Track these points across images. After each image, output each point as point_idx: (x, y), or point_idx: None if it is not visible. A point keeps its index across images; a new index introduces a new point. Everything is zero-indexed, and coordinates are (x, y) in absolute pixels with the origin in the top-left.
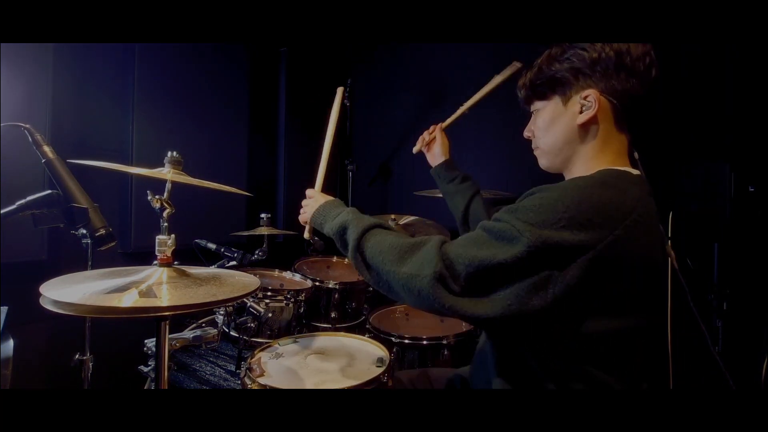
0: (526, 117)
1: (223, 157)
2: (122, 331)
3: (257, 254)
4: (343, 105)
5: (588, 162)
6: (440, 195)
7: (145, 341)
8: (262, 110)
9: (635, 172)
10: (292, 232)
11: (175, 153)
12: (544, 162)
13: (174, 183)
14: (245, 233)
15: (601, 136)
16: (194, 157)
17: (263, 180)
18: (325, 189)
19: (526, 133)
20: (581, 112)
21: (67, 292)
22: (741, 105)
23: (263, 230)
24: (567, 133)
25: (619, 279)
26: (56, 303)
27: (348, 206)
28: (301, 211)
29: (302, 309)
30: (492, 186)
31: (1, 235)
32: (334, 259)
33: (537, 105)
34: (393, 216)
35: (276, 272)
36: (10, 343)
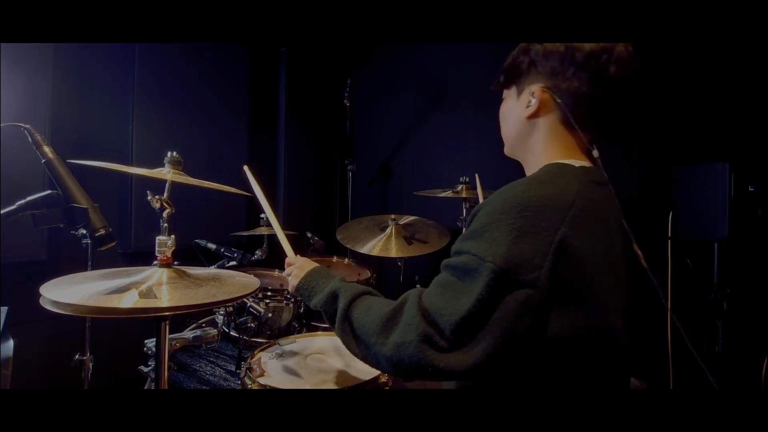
0: None
1: (223, 157)
2: (122, 331)
3: (257, 254)
4: (342, 104)
5: (537, 156)
6: (440, 195)
7: (145, 341)
8: (262, 110)
9: (578, 163)
10: (292, 232)
11: (175, 153)
12: (505, 149)
13: (174, 183)
14: (245, 233)
15: (547, 132)
16: (194, 157)
17: (263, 180)
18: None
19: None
20: (527, 107)
21: (67, 292)
22: (741, 105)
23: (263, 230)
24: (517, 125)
25: (576, 274)
26: (56, 303)
27: (348, 210)
28: (288, 279)
29: (302, 309)
30: (494, 185)
31: (1, 236)
32: (334, 259)
33: (504, 93)
34: (393, 216)
35: (276, 272)
36: (10, 343)
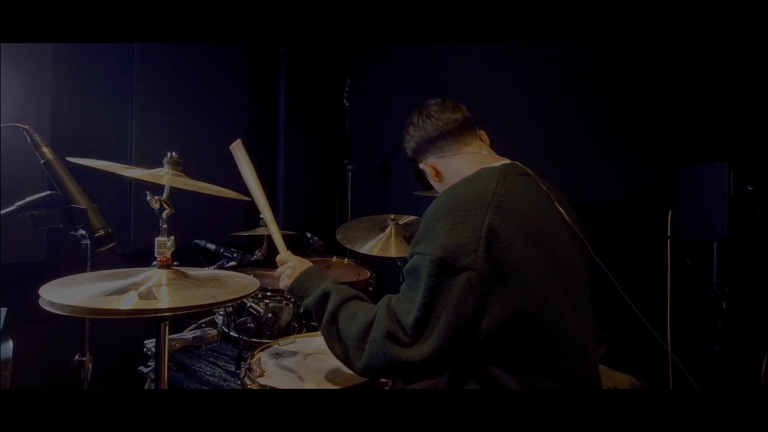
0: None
1: (222, 157)
2: (122, 332)
3: (256, 254)
4: (342, 104)
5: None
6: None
7: (145, 342)
8: (262, 110)
9: (498, 162)
10: (291, 232)
11: (174, 153)
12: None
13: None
14: (245, 233)
15: (450, 170)
16: (193, 158)
17: (263, 180)
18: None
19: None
20: (430, 176)
21: (66, 293)
22: (740, 104)
23: (262, 230)
24: (437, 185)
25: (507, 254)
26: (55, 305)
27: (348, 210)
28: (280, 278)
29: (302, 309)
30: None
31: (0, 236)
32: (334, 259)
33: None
34: (393, 216)
35: (276, 272)
36: (10, 344)
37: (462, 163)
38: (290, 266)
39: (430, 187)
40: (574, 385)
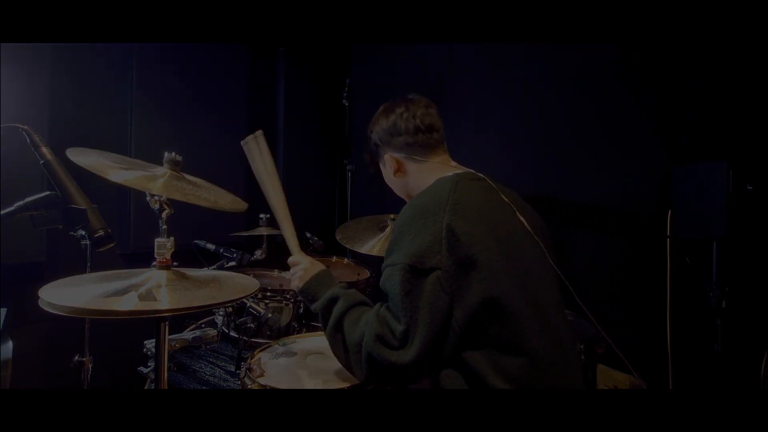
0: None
1: (222, 157)
2: (122, 332)
3: (256, 254)
4: (342, 104)
5: (421, 186)
6: None
7: (145, 342)
8: (262, 110)
9: (451, 171)
10: None
11: (174, 153)
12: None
13: (170, 186)
14: (245, 234)
15: (415, 173)
16: (193, 158)
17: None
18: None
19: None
20: (390, 169)
21: (66, 294)
22: (740, 103)
23: (262, 230)
24: (395, 183)
25: (466, 250)
26: (55, 305)
27: (347, 210)
28: (291, 279)
29: (302, 309)
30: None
31: (0, 236)
32: (334, 258)
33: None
34: (393, 216)
35: (275, 272)
36: (10, 344)
37: (426, 171)
38: (302, 268)
39: (378, 171)
40: (539, 360)
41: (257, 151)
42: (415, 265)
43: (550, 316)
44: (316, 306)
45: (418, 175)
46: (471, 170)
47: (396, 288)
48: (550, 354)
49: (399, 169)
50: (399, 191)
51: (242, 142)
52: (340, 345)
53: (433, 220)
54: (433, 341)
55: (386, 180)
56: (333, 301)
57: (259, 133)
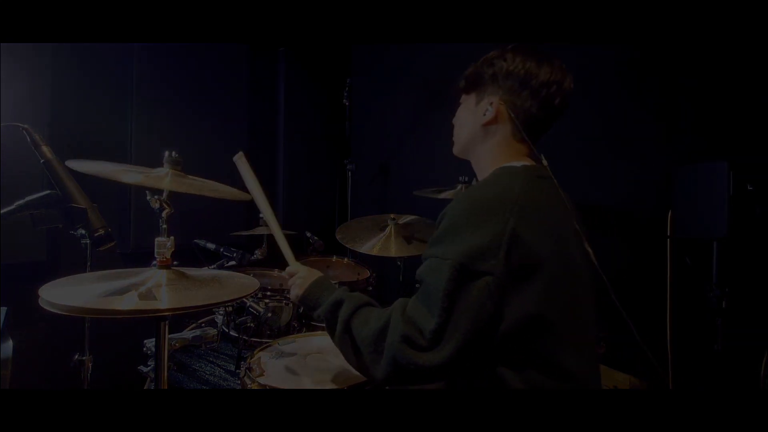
0: None
1: (222, 157)
2: (122, 332)
3: (256, 254)
4: (342, 104)
5: (487, 160)
6: (439, 195)
7: (145, 341)
8: (262, 110)
9: (520, 164)
10: (291, 232)
11: (174, 153)
12: (454, 149)
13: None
14: (244, 233)
15: (500, 139)
16: (193, 157)
17: (263, 179)
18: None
19: (453, 121)
20: (484, 115)
21: (66, 293)
22: (740, 104)
23: (262, 230)
24: (471, 130)
25: (527, 260)
26: (55, 305)
27: (348, 210)
28: (290, 289)
29: (301, 309)
30: None
31: (0, 236)
32: (334, 258)
33: (462, 98)
34: (393, 216)
35: (275, 272)
36: (10, 343)
37: (507, 146)
38: (300, 276)
39: (459, 93)
40: (574, 381)
41: (246, 169)
42: (467, 265)
43: (588, 331)
44: (319, 312)
45: (500, 143)
46: (539, 165)
47: (439, 284)
48: (585, 373)
49: (493, 121)
50: (464, 140)
51: (234, 159)
52: (349, 348)
53: (497, 221)
54: (468, 351)
55: (460, 120)
56: (337, 304)
57: (240, 154)
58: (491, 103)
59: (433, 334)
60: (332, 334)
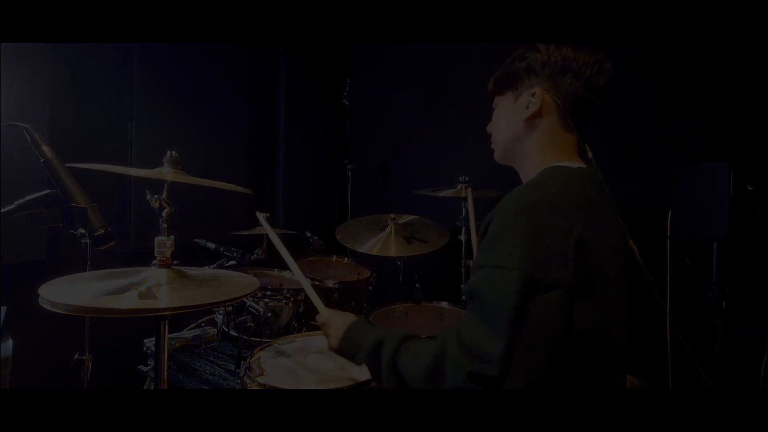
0: None
1: (222, 157)
2: (122, 331)
3: (256, 253)
4: (342, 104)
5: (535, 158)
6: (439, 194)
7: (145, 341)
8: (262, 110)
9: (576, 165)
10: (291, 232)
11: (174, 153)
12: (497, 155)
13: (173, 182)
14: (245, 233)
15: (546, 133)
16: (194, 157)
17: (263, 179)
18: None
19: (488, 129)
20: (527, 108)
21: (66, 293)
22: (740, 104)
23: (262, 230)
24: (515, 128)
25: (592, 269)
26: (55, 304)
27: (348, 210)
28: (328, 340)
29: (301, 308)
30: (492, 184)
31: (0, 235)
32: (334, 258)
33: (496, 101)
34: (392, 215)
35: (275, 271)
36: (10, 343)
37: (552, 141)
38: (333, 326)
39: (491, 97)
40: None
41: (269, 228)
42: (536, 276)
43: (623, 342)
44: (360, 358)
45: (547, 135)
46: (591, 168)
47: (504, 299)
48: (622, 385)
49: (538, 113)
50: (506, 141)
51: (257, 215)
52: (400, 387)
53: (562, 224)
54: (542, 375)
55: (498, 123)
56: (377, 346)
57: (262, 215)
58: (533, 94)
59: (502, 360)
60: (379, 380)
